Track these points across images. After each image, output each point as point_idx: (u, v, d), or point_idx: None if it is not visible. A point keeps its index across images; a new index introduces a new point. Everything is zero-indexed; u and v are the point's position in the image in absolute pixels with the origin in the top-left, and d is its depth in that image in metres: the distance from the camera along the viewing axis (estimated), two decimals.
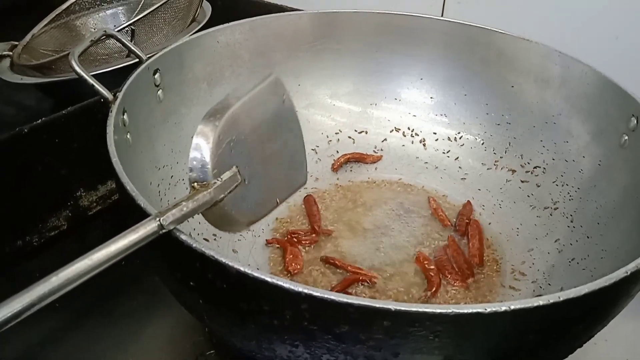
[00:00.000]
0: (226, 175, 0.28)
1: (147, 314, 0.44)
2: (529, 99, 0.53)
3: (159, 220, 0.26)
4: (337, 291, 0.42)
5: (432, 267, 0.44)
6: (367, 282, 0.43)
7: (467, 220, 0.49)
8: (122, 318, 0.44)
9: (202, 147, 0.28)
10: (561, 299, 0.25)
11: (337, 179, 0.55)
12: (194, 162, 0.28)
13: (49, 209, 0.49)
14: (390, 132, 0.58)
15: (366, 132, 0.58)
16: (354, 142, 0.57)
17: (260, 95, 0.32)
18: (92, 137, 0.33)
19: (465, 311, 0.24)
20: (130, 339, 0.42)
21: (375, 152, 0.57)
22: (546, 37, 0.51)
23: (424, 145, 0.57)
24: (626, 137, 0.43)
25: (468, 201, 0.51)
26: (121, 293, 0.46)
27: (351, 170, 0.56)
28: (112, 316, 0.44)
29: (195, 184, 0.28)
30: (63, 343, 0.42)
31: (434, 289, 0.42)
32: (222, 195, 0.28)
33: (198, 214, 0.28)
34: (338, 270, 0.44)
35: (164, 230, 0.26)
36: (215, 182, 0.28)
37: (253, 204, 0.31)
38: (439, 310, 0.24)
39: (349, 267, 0.44)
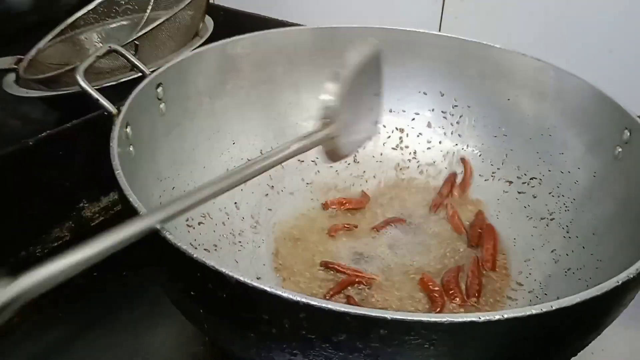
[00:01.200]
0: (342, 117, 0.37)
1: (148, 325, 0.45)
2: (525, 111, 0.53)
3: (298, 144, 0.36)
4: (334, 292, 0.43)
5: (437, 288, 0.43)
6: (364, 284, 0.44)
7: (479, 230, 0.49)
8: (124, 328, 0.44)
9: (333, 93, 0.37)
10: (554, 307, 0.25)
11: (337, 192, 0.56)
12: (328, 104, 0.37)
13: (53, 220, 0.50)
14: (389, 144, 0.59)
15: (364, 145, 0.59)
16: (354, 155, 0.58)
17: (368, 60, 0.41)
18: (96, 149, 0.34)
19: (460, 320, 0.25)
20: (132, 349, 0.43)
21: (374, 160, 0.58)
22: (541, 52, 0.52)
23: (422, 156, 0.58)
24: (620, 149, 0.44)
25: (479, 210, 0.52)
26: (123, 304, 0.46)
27: (352, 185, 0.56)
28: (115, 327, 0.44)
29: (326, 120, 0.37)
30: (66, 354, 0.42)
31: (438, 309, 0.42)
32: (339, 133, 0.37)
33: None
34: (339, 274, 0.45)
35: (298, 151, 0.35)
36: (338, 122, 0.37)
37: (349, 140, 0.40)
38: (434, 319, 0.25)
39: (348, 271, 0.45)
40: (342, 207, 0.53)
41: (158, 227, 0.28)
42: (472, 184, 0.54)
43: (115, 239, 0.28)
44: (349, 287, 0.44)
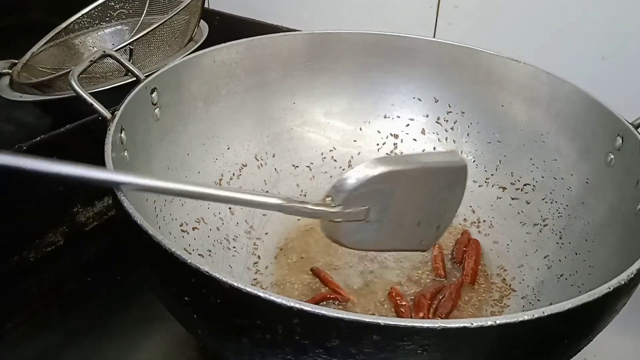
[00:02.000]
0: (353, 210, 0.31)
1: (142, 330, 0.45)
2: (518, 118, 0.54)
3: (284, 202, 0.30)
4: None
5: (404, 303, 0.43)
6: (339, 301, 0.43)
7: (464, 248, 0.48)
8: (118, 334, 0.44)
9: (353, 178, 0.30)
10: (545, 314, 0.26)
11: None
12: (340, 184, 0.30)
13: (46, 224, 0.49)
14: (383, 150, 0.59)
15: (359, 151, 0.59)
16: (349, 160, 0.58)
17: (439, 172, 0.33)
18: (90, 154, 0.34)
19: (452, 325, 0.25)
20: (125, 354, 0.43)
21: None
22: (534, 58, 0.52)
23: None
24: (612, 156, 0.44)
25: (465, 230, 0.51)
26: (117, 309, 0.46)
27: None
28: (108, 332, 0.44)
29: (328, 198, 0.31)
30: (59, 357, 0.42)
31: None
32: (339, 220, 0.31)
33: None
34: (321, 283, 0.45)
35: (281, 209, 0.30)
36: (338, 209, 0.31)
37: (364, 238, 0.33)
38: (426, 325, 0.25)
39: (328, 284, 0.45)
40: None
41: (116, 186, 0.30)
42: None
43: (74, 172, 0.28)
44: (323, 302, 0.44)
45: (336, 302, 0.44)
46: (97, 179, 0.29)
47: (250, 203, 0.30)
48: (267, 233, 0.50)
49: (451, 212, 0.36)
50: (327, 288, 0.45)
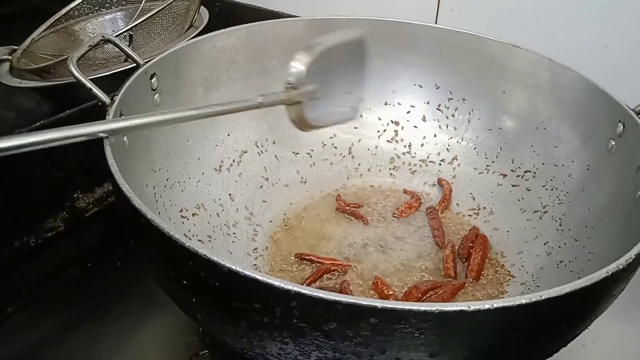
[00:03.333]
0: (309, 87, 0.39)
1: (142, 315, 0.45)
2: (519, 104, 0.54)
3: (260, 98, 0.37)
4: (309, 282, 0.44)
5: (390, 292, 0.43)
6: (339, 272, 0.45)
7: (470, 244, 0.48)
8: (118, 319, 0.44)
9: (301, 62, 0.38)
10: (543, 297, 0.26)
11: (331, 185, 0.56)
12: (293, 70, 0.38)
13: (46, 210, 0.50)
14: (384, 137, 0.59)
15: (359, 138, 0.59)
16: (349, 148, 0.58)
17: (349, 44, 0.42)
18: (90, 140, 0.34)
19: (449, 309, 0.25)
20: (126, 339, 0.43)
21: (369, 153, 0.58)
22: (537, 45, 0.52)
23: (417, 149, 0.58)
24: (613, 143, 0.44)
25: (475, 226, 0.50)
26: (117, 295, 0.47)
27: (347, 178, 0.56)
28: (108, 317, 0.44)
29: (289, 85, 0.38)
30: (60, 344, 0.42)
31: None
32: (303, 99, 0.39)
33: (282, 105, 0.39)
34: (314, 264, 0.46)
35: (260, 105, 0.37)
36: (301, 89, 0.39)
37: (320, 113, 0.41)
38: (423, 308, 0.25)
39: (324, 260, 0.45)
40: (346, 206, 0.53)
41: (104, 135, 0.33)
42: (451, 203, 0.53)
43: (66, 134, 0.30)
44: (325, 275, 0.45)
45: (336, 274, 0.44)
46: (80, 134, 0.31)
47: (234, 110, 0.36)
48: (267, 219, 0.50)
49: (363, 80, 0.45)
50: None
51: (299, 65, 0.38)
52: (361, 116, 0.59)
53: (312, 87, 0.39)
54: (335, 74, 0.41)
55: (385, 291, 0.43)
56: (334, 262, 0.46)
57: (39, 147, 0.29)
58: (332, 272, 0.45)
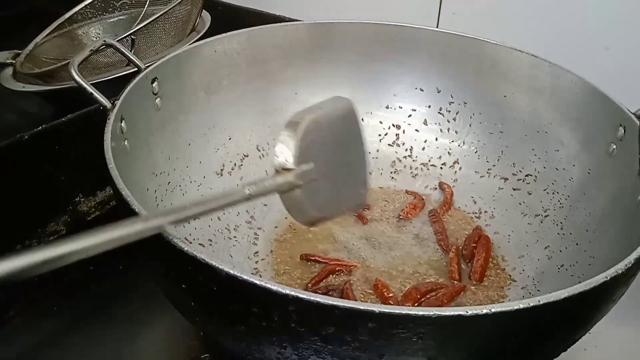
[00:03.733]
0: (304, 167, 0.32)
1: (143, 318, 0.45)
2: (520, 108, 0.53)
3: (248, 189, 0.30)
4: (315, 282, 0.44)
5: (391, 294, 0.43)
6: (344, 272, 0.45)
7: (473, 245, 0.48)
8: (119, 322, 0.44)
9: (289, 139, 0.32)
10: (541, 302, 0.26)
11: None
12: (281, 150, 0.32)
13: (49, 214, 0.50)
14: (385, 140, 0.59)
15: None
16: None
17: (336, 113, 0.36)
18: (91, 144, 0.34)
19: (447, 314, 0.25)
20: (126, 342, 0.43)
21: (370, 157, 0.58)
22: (538, 48, 0.52)
23: (418, 153, 0.58)
24: (614, 146, 0.44)
25: (477, 226, 0.51)
26: (118, 298, 0.47)
27: None
28: (109, 321, 0.44)
29: (280, 168, 0.32)
30: (61, 346, 0.42)
31: None
32: (300, 182, 0.32)
33: (274, 195, 0.33)
34: (320, 264, 0.46)
35: (250, 197, 0.31)
36: (295, 169, 0.32)
37: (322, 202, 0.34)
38: (421, 313, 0.25)
39: (329, 261, 0.46)
40: None
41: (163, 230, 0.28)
42: (452, 206, 0.53)
43: (114, 235, 0.27)
44: (331, 275, 0.45)
45: (341, 274, 0.45)
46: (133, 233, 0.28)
47: (220, 207, 0.30)
48: (268, 223, 0.50)
49: (363, 154, 0.39)
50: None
51: (287, 141, 0.32)
52: (362, 119, 0.59)
53: (307, 166, 0.32)
54: (330, 149, 0.35)
55: (385, 293, 0.43)
56: (339, 262, 0.46)
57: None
58: (337, 272, 0.45)
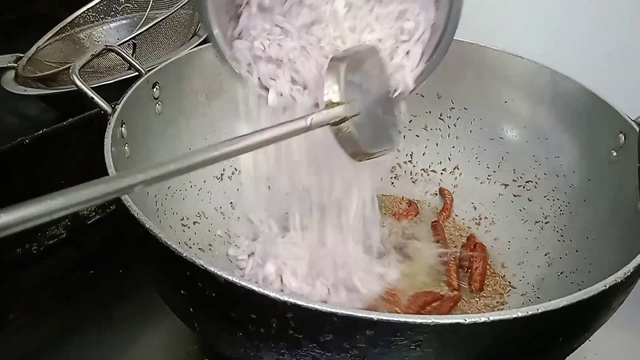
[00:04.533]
0: (353, 102, 0.34)
1: (143, 322, 0.45)
2: (521, 114, 0.53)
3: (309, 120, 0.32)
4: None
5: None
6: None
7: (470, 253, 0.48)
8: (120, 325, 0.44)
9: (337, 73, 0.34)
10: (540, 311, 0.26)
11: None
12: (331, 85, 0.34)
13: None
14: None
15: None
16: None
17: (367, 54, 0.38)
18: (92, 147, 0.34)
19: (445, 321, 0.25)
20: (126, 345, 0.43)
21: None
22: (538, 55, 0.52)
23: (418, 158, 0.58)
24: (615, 153, 0.44)
25: (472, 234, 0.51)
26: (118, 302, 0.47)
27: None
28: (109, 325, 0.44)
29: (330, 101, 0.34)
30: (61, 350, 0.42)
31: None
32: (348, 115, 0.34)
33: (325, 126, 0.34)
34: None
35: (310, 126, 0.32)
36: (343, 103, 0.34)
37: (366, 138, 0.36)
38: (419, 320, 0.25)
39: None
40: None
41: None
42: (453, 212, 0.54)
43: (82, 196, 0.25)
44: None
45: None
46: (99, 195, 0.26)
47: (278, 138, 0.32)
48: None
49: (391, 99, 0.40)
50: None
51: (336, 75, 0.34)
52: None
53: (354, 101, 0.34)
54: (365, 88, 0.37)
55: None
56: None
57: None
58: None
